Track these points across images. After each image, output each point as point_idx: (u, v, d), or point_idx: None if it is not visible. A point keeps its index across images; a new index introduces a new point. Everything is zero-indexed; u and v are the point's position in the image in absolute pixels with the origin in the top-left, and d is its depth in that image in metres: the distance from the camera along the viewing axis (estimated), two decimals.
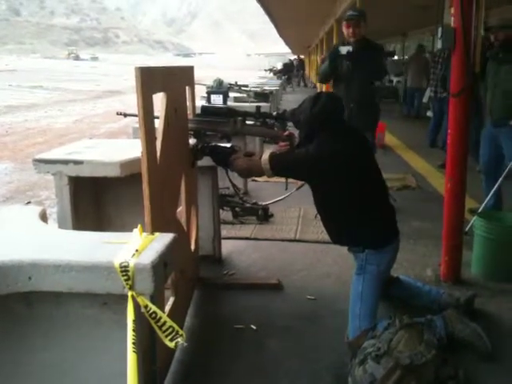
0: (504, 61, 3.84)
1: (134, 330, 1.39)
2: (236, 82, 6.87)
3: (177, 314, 2.13)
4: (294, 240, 3.70)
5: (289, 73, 21.60)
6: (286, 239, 3.70)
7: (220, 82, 5.66)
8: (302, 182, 2.70)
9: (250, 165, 2.45)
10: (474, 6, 2.67)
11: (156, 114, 1.90)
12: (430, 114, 8.51)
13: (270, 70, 21.51)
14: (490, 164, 4.10)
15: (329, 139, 2.27)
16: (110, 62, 76.93)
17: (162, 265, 1.49)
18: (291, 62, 25.72)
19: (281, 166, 2.36)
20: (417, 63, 10.44)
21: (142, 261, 1.42)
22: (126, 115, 2.83)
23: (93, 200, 2.85)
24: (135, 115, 1.86)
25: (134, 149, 2.41)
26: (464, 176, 2.89)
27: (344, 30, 3.88)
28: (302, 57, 30.70)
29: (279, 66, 24.68)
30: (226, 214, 3.94)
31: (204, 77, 11.53)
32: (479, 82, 4.11)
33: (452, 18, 2.74)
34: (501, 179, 3.74)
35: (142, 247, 1.49)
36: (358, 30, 3.83)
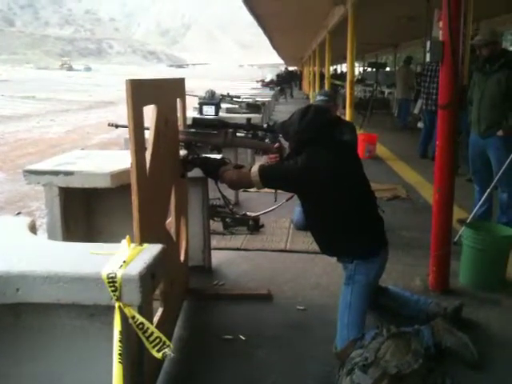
0: (491, 72, 3.91)
1: (120, 341, 1.39)
2: (228, 93, 6.90)
3: (165, 325, 2.13)
4: (284, 250, 3.71)
5: (283, 84, 21.38)
6: (276, 249, 3.71)
7: (212, 93, 5.69)
8: (292, 194, 2.72)
9: (240, 177, 2.46)
10: (462, 19, 2.72)
11: (147, 124, 1.92)
12: (420, 125, 8.60)
13: (262, 82, 21.15)
14: (481, 174, 4.14)
15: (317, 151, 2.30)
16: (104, 72, 77.03)
17: (150, 276, 1.50)
18: (288, 72, 25.28)
19: (270, 178, 2.38)
20: (404, 75, 10.58)
21: (130, 272, 1.43)
22: (117, 126, 2.85)
23: (83, 210, 2.85)
24: (126, 126, 1.87)
25: (125, 160, 2.42)
26: (452, 187, 2.92)
27: None
28: (292, 68, 30.67)
29: (269, 78, 24.51)
30: (216, 225, 3.95)
31: (196, 87, 11.59)
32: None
33: (440, 32, 2.79)
34: (489, 190, 3.78)
35: (129, 258, 1.50)
36: None
